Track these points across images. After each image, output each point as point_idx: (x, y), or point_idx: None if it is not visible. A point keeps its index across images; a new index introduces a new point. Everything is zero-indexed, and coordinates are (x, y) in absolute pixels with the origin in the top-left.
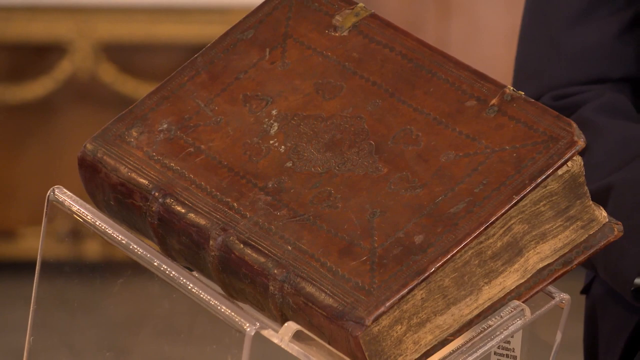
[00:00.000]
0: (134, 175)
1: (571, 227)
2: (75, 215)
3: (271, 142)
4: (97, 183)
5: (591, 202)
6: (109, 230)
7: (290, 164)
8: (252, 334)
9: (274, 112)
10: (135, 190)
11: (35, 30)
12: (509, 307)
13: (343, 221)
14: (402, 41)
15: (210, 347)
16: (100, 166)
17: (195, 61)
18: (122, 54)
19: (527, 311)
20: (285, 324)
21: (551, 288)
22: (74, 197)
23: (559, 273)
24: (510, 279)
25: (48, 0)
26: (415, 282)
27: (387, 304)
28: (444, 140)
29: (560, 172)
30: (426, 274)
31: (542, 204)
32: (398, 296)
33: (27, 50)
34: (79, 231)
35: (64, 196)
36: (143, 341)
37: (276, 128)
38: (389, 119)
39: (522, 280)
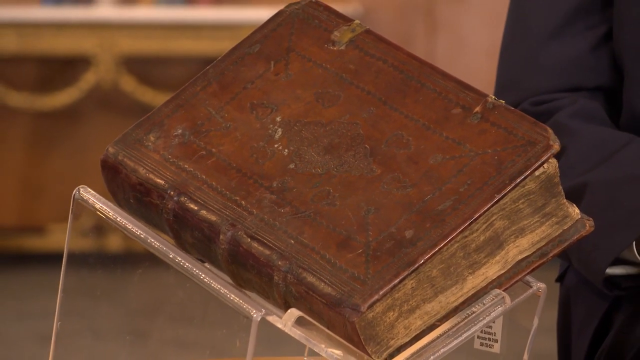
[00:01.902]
0: (151, 176)
1: (547, 223)
2: (98, 212)
3: (276, 145)
4: (118, 183)
5: (565, 200)
6: (129, 225)
7: (293, 166)
8: (259, 319)
9: (278, 119)
10: (153, 189)
11: (63, 45)
12: (490, 295)
13: (340, 217)
14: (394, 55)
15: (221, 332)
16: (121, 168)
17: (207, 73)
18: (141, 67)
19: (507, 299)
20: (289, 311)
21: (529, 278)
22: (97, 195)
23: (536, 264)
24: (492, 270)
25: (74, 18)
26: (406, 273)
27: (381, 292)
28: (432, 144)
29: (537, 173)
30: (416, 265)
31: (520, 202)
32: (390, 285)
33: (56, 63)
34: (101, 226)
35: (88, 195)
36: (160, 326)
37: (280, 133)
38: (382, 124)
39: (503, 271)
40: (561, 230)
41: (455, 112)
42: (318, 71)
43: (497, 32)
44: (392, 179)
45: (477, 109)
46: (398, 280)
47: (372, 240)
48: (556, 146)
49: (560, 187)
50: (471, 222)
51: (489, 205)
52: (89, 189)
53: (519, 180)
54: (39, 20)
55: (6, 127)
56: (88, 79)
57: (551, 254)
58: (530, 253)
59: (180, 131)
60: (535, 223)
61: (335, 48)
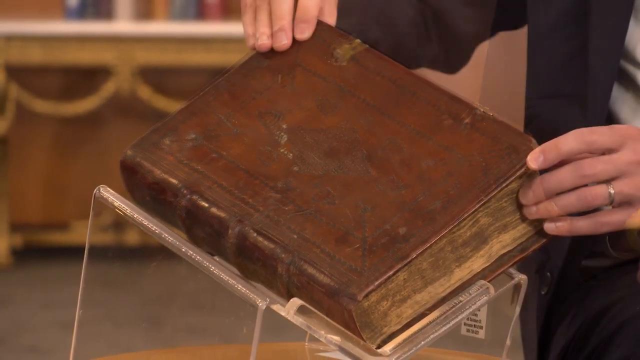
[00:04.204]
0: (166, 176)
1: (528, 220)
2: (117, 210)
3: (281, 150)
4: (135, 183)
5: None
6: (145, 222)
7: (297, 168)
8: (264, 308)
9: (284, 126)
10: (167, 188)
11: (85, 57)
12: (476, 286)
13: (339, 215)
14: (391, 70)
15: (229, 319)
16: (138, 168)
17: (219, 84)
18: (156, 77)
19: (492, 289)
20: (291, 300)
21: (511, 270)
22: (116, 194)
23: (517, 258)
24: (477, 263)
25: (95, 32)
26: (399, 266)
27: (376, 283)
28: (423, 150)
29: (518, 173)
30: (409, 259)
31: (504, 200)
32: (385, 277)
33: (78, 73)
34: (120, 223)
35: (108, 194)
36: (173, 314)
37: (285, 139)
38: (378, 131)
39: (487, 264)
40: (541, 227)
41: (446, 121)
42: (320, 83)
43: (482, 47)
44: (387, 180)
45: (467, 119)
46: (392, 272)
47: (368, 236)
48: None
49: None
50: (459, 221)
51: (475, 205)
52: (109, 189)
53: (503, 182)
54: (63, 34)
55: (33, 132)
56: (108, 88)
57: (531, 249)
58: (512, 248)
59: (193, 136)
60: (517, 220)
61: (337, 63)
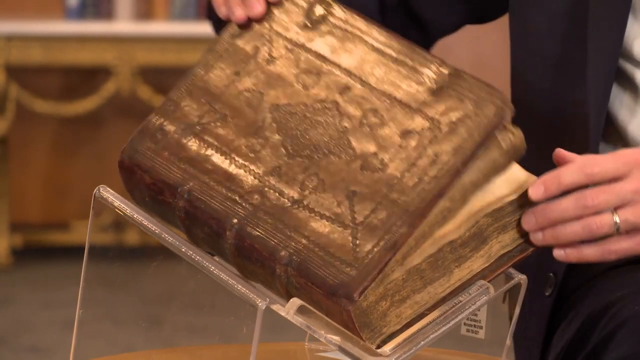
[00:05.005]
0: (162, 177)
1: None
2: (117, 210)
3: (266, 133)
4: (134, 183)
5: None
6: (145, 222)
7: (284, 152)
8: (264, 308)
9: (266, 105)
10: (165, 188)
11: (86, 57)
12: (476, 286)
13: (330, 204)
14: (366, 30)
15: (229, 319)
16: (136, 169)
17: (196, 72)
18: (156, 77)
19: (491, 289)
20: (291, 300)
21: (511, 270)
22: (116, 194)
23: (517, 258)
24: (477, 263)
25: (96, 32)
26: (389, 255)
27: (369, 278)
28: (402, 118)
29: (502, 143)
30: (398, 247)
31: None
32: (377, 270)
33: (79, 73)
34: (120, 223)
35: (108, 194)
36: (173, 313)
37: (269, 119)
38: (359, 102)
39: (487, 264)
40: None
41: (423, 84)
42: (297, 52)
43: (480, 45)
44: (369, 159)
45: (440, 79)
46: (383, 264)
47: (359, 228)
48: (509, 110)
49: None
50: (440, 197)
51: (454, 179)
52: (109, 189)
53: (481, 141)
54: (64, 34)
55: (33, 132)
56: (108, 88)
57: (530, 250)
58: (512, 248)
59: (181, 128)
60: (516, 220)
61: (312, 28)
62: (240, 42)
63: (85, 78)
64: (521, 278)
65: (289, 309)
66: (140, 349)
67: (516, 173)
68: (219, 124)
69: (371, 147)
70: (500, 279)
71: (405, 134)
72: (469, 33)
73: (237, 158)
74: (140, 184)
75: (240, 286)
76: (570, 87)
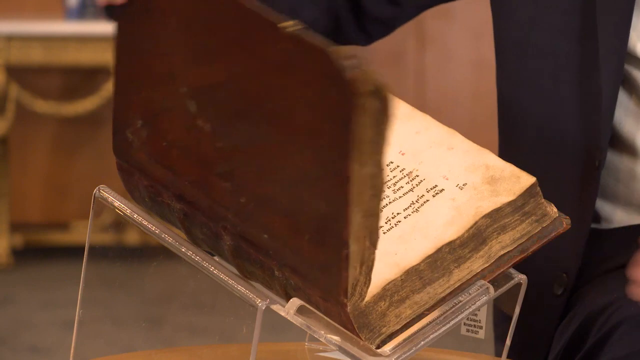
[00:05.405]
0: (156, 177)
1: (527, 221)
2: (117, 210)
3: (198, 122)
4: (133, 184)
5: (543, 200)
6: (145, 222)
7: (220, 144)
8: (264, 308)
9: (185, 90)
10: (162, 190)
11: (86, 57)
12: (476, 286)
13: (281, 198)
14: None
15: (229, 319)
16: (134, 170)
17: (120, 67)
18: None
19: (491, 289)
20: (291, 300)
21: (511, 270)
22: (116, 194)
23: (517, 258)
24: (477, 264)
25: (96, 32)
26: (346, 250)
27: (342, 282)
28: (292, 89)
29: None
30: (345, 241)
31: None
32: (344, 272)
33: (79, 73)
34: (120, 223)
35: (108, 194)
36: (173, 313)
37: (195, 107)
38: (254, 78)
39: (487, 265)
40: (540, 228)
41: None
42: (190, 23)
43: (481, 45)
44: (288, 144)
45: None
46: (345, 264)
47: (312, 226)
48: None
49: (538, 188)
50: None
51: (350, 151)
52: (109, 189)
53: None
54: (64, 34)
55: (34, 132)
56: (108, 88)
57: (531, 250)
58: (511, 248)
59: (139, 124)
60: (515, 221)
61: None
62: (135, 22)
63: (85, 78)
64: (521, 278)
65: (288, 309)
66: (140, 349)
67: (515, 173)
68: (163, 115)
69: (285, 132)
70: (500, 279)
71: (294, 106)
72: (469, 33)
73: (190, 154)
74: (139, 185)
75: (240, 286)
76: (575, 89)
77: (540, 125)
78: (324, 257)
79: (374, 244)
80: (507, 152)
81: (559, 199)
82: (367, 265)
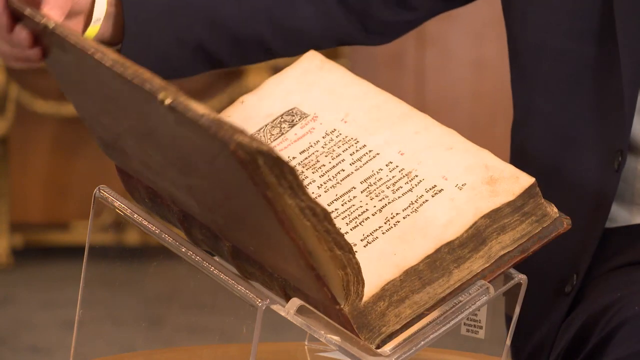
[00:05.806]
0: (151, 184)
1: (527, 221)
2: (117, 210)
3: (145, 158)
4: (133, 185)
5: (543, 200)
6: (145, 222)
7: (168, 184)
8: (264, 308)
9: (121, 128)
10: (160, 193)
11: None
12: (476, 286)
13: (231, 215)
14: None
15: (229, 319)
16: (132, 172)
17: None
18: None
19: (491, 289)
20: (290, 300)
21: (511, 270)
22: (116, 194)
23: (517, 259)
24: (476, 264)
25: None
26: (307, 258)
27: (324, 287)
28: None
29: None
30: (305, 249)
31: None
32: (323, 278)
33: None
34: (120, 223)
35: (108, 194)
36: (173, 313)
37: (133, 144)
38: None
39: (487, 265)
40: (540, 228)
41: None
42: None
43: (481, 46)
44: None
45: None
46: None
47: (282, 253)
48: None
49: (538, 189)
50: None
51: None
52: (109, 189)
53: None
54: None
55: (34, 132)
56: None
57: (531, 250)
58: (512, 248)
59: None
60: (515, 221)
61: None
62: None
63: None
64: (521, 278)
65: (288, 309)
66: (140, 349)
67: (515, 173)
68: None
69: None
70: (500, 279)
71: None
72: (469, 33)
73: (148, 178)
74: (138, 186)
75: (240, 286)
76: (596, 97)
77: (558, 129)
78: (303, 276)
79: (345, 249)
80: (522, 158)
81: (576, 202)
82: (352, 267)
